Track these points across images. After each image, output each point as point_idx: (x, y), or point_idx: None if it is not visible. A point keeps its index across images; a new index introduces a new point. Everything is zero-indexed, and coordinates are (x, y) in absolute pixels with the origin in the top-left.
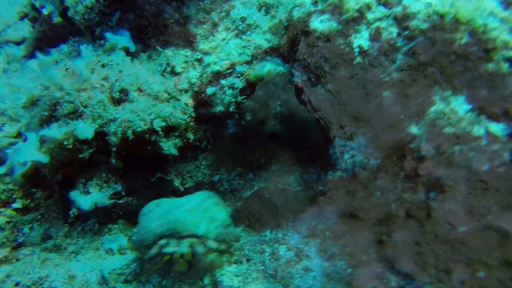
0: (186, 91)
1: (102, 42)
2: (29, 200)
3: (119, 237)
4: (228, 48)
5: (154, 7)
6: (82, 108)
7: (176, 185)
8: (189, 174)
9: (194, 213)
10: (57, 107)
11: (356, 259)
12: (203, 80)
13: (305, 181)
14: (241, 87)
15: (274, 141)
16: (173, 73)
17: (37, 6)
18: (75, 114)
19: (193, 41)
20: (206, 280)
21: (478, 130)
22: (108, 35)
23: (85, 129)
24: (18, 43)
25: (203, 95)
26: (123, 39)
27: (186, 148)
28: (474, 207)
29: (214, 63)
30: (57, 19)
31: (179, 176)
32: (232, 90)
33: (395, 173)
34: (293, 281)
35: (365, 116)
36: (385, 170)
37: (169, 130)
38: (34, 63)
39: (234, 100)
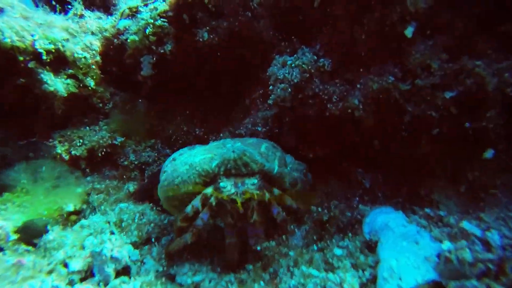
0: (93, 33)
1: None
2: None
3: None
4: None
5: None
6: None
7: (59, 152)
8: (80, 140)
9: (260, 148)
10: None
11: None
12: (115, 23)
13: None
14: (163, 9)
15: (200, 89)
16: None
17: None
18: None
19: (113, 6)
20: None
21: None
22: None
23: None
24: None
25: (115, 40)
26: None
27: (82, 100)
28: None
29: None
30: None
31: (65, 142)
32: (151, 11)
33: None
34: None
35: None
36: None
37: (60, 63)
38: None
39: (152, 21)
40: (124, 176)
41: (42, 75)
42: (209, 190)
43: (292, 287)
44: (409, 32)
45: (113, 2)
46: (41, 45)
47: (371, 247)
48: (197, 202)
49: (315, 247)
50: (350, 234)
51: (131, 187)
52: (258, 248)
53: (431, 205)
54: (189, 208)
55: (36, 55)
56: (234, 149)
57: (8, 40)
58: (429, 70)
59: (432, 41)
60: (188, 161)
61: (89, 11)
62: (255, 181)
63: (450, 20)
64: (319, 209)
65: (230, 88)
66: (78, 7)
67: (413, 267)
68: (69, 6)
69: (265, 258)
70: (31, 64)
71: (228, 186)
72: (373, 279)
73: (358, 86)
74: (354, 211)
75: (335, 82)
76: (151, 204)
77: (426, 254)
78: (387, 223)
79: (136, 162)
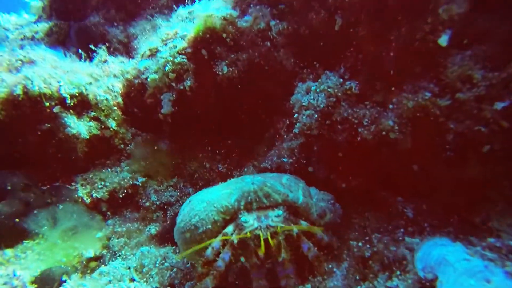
0: (116, 76)
1: None
2: None
3: None
4: (172, 28)
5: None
6: None
7: (80, 195)
8: (102, 182)
9: (281, 180)
10: None
11: None
12: (136, 65)
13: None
14: (182, 46)
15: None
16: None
17: None
18: None
19: (134, 50)
20: None
21: None
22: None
23: None
24: None
25: (136, 81)
26: (51, 50)
27: (104, 142)
28: None
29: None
30: None
31: (87, 185)
32: (170, 50)
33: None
34: None
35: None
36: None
37: (83, 106)
38: None
39: (171, 59)
40: (146, 218)
41: (65, 119)
42: (229, 229)
43: None
44: (443, 40)
45: (135, 47)
46: (66, 90)
47: (426, 287)
48: (217, 243)
49: None
50: (398, 272)
51: (153, 229)
52: None
53: (491, 235)
54: (209, 251)
55: (61, 100)
56: (253, 181)
57: (36, 88)
58: (471, 82)
59: (470, 51)
60: (205, 199)
61: (113, 57)
62: (280, 212)
63: (489, 26)
64: (360, 244)
65: (252, 122)
66: (103, 54)
67: None
68: (95, 54)
69: None
70: (56, 109)
71: (250, 221)
72: None
73: (391, 106)
74: (399, 245)
75: (365, 105)
76: (174, 247)
77: None
78: (445, 257)
79: (158, 203)
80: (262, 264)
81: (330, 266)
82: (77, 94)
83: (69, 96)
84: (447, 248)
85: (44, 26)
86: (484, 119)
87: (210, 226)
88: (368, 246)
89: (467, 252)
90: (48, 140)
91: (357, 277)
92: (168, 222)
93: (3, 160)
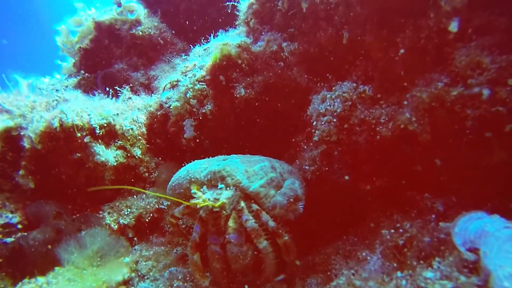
0: (139, 109)
1: None
2: None
3: None
4: (190, 61)
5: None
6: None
7: (108, 222)
8: (128, 209)
9: (253, 166)
10: None
11: None
12: (158, 98)
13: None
14: (201, 75)
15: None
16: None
17: None
18: None
19: (156, 89)
20: None
21: None
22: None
23: None
24: None
25: (158, 113)
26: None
27: (129, 170)
28: None
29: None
30: None
31: (113, 213)
32: (190, 78)
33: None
34: None
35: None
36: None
37: (111, 135)
38: None
39: (192, 86)
40: (172, 242)
41: (95, 148)
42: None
43: None
44: (454, 26)
45: (156, 86)
46: (95, 121)
47: (469, 267)
48: (179, 208)
49: (399, 274)
50: (437, 259)
51: (180, 250)
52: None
53: None
54: (176, 210)
55: (91, 131)
56: (219, 163)
57: (69, 120)
58: (480, 67)
59: (475, 42)
60: (188, 167)
61: (136, 96)
62: (222, 186)
63: (490, 18)
64: (392, 231)
65: (273, 141)
66: (127, 93)
67: None
68: (119, 94)
69: None
70: (86, 139)
71: (198, 193)
72: None
73: (406, 103)
74: (434, 232)
75: (380, 104)
76: None
77: None
78: (484, 228)
79: (183, 226)
80: (219, 233)
81: (363, 254)
82: (105, 125)
83: (98, 126)
84: (484, 220)
85: (73, 81)
86: (500, 100)
87: (182, 190)
88: (400, 231)
89: (506, 222)
90: (78, 170)
91: (395, 264)
92: None
93: (38, 190)
